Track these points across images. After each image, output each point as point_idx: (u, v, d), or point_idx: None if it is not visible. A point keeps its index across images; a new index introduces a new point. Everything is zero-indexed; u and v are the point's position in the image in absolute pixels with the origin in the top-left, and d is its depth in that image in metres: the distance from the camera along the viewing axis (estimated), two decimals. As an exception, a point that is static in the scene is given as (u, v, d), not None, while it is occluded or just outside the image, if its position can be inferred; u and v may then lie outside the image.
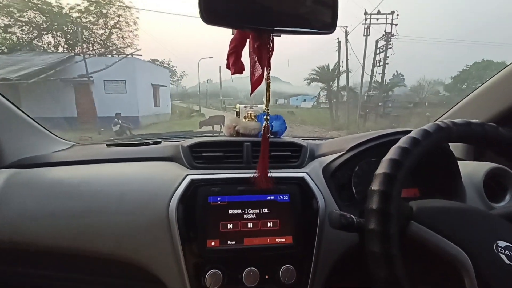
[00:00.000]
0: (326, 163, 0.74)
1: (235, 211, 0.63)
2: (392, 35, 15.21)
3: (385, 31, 15.23)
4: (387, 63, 15.54)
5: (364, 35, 15.41)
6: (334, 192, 0.69)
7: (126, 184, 0.67)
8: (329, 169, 0.73)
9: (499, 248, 0.41)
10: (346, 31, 15.64)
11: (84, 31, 12.04)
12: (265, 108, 0.61)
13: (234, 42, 0.56)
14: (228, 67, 0.59)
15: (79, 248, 0.63)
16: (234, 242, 0.62)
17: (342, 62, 16.37)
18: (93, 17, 12.25)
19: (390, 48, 15.39)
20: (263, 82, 0.57)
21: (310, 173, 0.70)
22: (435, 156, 0.72)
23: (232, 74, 0.59)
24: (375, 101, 16.45)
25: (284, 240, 0.63)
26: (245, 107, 0.86)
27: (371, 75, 16.11)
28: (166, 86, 14.29)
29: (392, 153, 0.46)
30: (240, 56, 0.58)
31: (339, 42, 16.36)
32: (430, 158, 0.72)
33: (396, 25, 15.00)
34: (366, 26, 15.37)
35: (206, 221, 0.62)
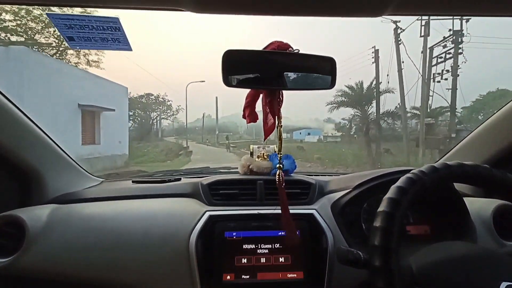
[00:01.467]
0: (334, 200, 0.78)
1: (249, 246, 0.68)
2: (463, 35, 9.81)
3: (451, 29, 9.87)
4: (458, 75, 9.97)
5: (421, 36, 10.23)
6: (343, 228, 0.73)
7: (150, 220, 0.74)
8: (338, 205, 0.77)
9: None
10: (397, 29, 10.28)
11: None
12: (278, 153, 0.68)
13: (249, 98, 0.68)
14: (244, 117, 0.69)
15: (107, 279, 0.68)
16: (248, 276, 0.65)
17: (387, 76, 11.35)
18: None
19: (460, 53, 9.90)
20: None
21: (319, 210, 0.75)
22: (441, 194, 0.75)
23: (248, 123, 0.69)
24: (437, 130, 11.50)
25: (295, 275, 0.66)
26: (258, 147, 0.95)
27: (427, 93, 10.54)
28: (114, 110, 9.05)
29: (390, 192, 0.52)
30: (254, 108, 0.69)
31: (376, 52, 11.78)
32: (437, 196, 0.76)
33: (467, 20, 9.63)
34: (423, 23, 9.90)
35: (222, 255, 0.67)
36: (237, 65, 0.58)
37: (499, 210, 0.77)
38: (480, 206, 0.80)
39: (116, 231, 0.72)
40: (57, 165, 0.94)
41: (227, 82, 0.57)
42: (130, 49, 0.61)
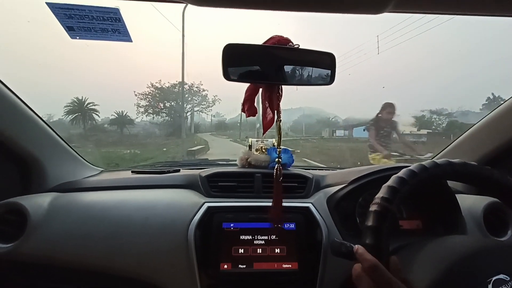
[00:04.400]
0: (330, 194, 0.80)
1: (246, 237, 0.70)
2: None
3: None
4: None
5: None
6: (338, 222, 0.75)
7: (150, 209, 0.76)
8: (333, 199, 0.79)
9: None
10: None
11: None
12: (277, 147, 0.69)
13: (249, 92, 0.68)
14: (243, 111, 0.70)
15: (106, 266, 0.70)
16: (244, 266, 0.68)
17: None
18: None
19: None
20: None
21: (315, 204, 0.77)
22: (434, 190, 0.77)
23: (247, 117, 0.70)
24: None
25: (290, 266, 0.68)
26: (256, 141, 0.96)
27: None
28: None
29: (382, 191, 0.53)
30: (254, 102, 0.70)
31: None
32: (430, 192, 0.77)
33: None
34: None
35: (220, 245, 0.69)
36: (237, 59, 0.58)
37: (490, 207, 0.79)
38: (471, 203, 0.82)
39: (115, 219, 0.74)
40: (58, 154, 0.95)
41: (227, 76, 0.57)
42: (130, 40, 0.60)
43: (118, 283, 0.74)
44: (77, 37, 0.58)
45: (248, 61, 0.59)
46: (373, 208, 0.51)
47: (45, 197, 0.79)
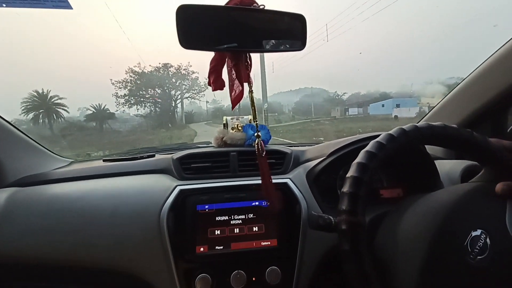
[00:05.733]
0: (309, 168, 0.78)
1: (222, 218, 0.67)
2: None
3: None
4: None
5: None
6: (318, 196, 0.73)
7: (119, 198, 0.71)
8: (312, 173, 0.77)
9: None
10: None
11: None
12: (253, 121, 0.64)
13: (214, 62, 0.62)
14: (209, 84, 0.64)
15: (77, 260, 0.66)
16: (221, 247, 0.65)
17: None
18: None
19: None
20: (247, 97, 0.62)
21: (294, 179, 0.74)
22: (413, 157, 0.76)
23: (213, 90, 0.64)
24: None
25: (269, 243, 0.67)
26: (231, 118, 0.91)
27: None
28: None
29: (360, 157, 0.51)
30: (221, 74, 0.64)
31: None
32: (409, 159, 0.76)
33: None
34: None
35: (195, 228, 0.66)
36: (194, 23, 0.51)
37: (467, 170, 0.80)
38: (450, 168, 0.82)
39: (82, 211, 0.69)
40: (15, 147, 0.87)
41: (184, 43, 0.51)
42: (69, 6, 0.52)
43: (94, 275, 0.71)
44: (4, 5, 0.49)
45: (207, 25, 0.53)
46: (349, 173, 0.49)
47: (1, 193, 0.72)
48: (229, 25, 0.54)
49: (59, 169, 0.95)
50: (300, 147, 0.95)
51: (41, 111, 18.26)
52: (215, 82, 0.62)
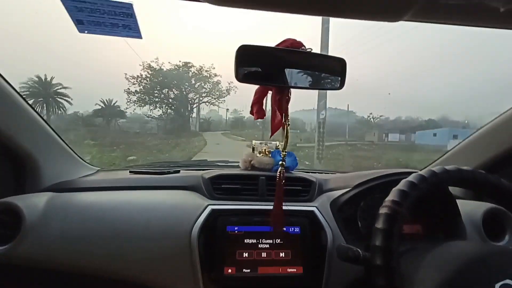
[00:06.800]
0: (334, 198, 0.80)
1: (251, 241, 0.69)
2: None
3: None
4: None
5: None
6: (341, 226, 0.75)
7: (151, 211, 0.74)
8: (337, 203, 0.79)
9: None
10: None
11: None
12: (283, 151, 0.68)
13: (258, 94, 0.67)
14: (252, 113, 0.69)
15: (107, 270, 0.68)
16: (249, 270, 0.67)
17: None
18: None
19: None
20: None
21: (319, 207, 0.77)
22: (435, 196, 0.78)
23: (255, 119, 0.69)
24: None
25: (295, 270, 0.68)
26: (260, 143, 0.96)
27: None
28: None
29: (392, 194, 0.54)
30: (262, 105, 0.69)
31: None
32: (431, 197, 0.79)
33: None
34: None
35: (224, 249, 0.68)
36: (250, 60, 0.57)
37: (489, 212, 0.81)
38: (471, 209, 0.84)
39: (115, 221, 0.71)
40: (53, 152, 0.91)
41: (239, 76, 0.57)
42: (140, 36, 0.59)
43: (119, 287, 0.72)
44: (86, 31, 0.56)
45: (260, 63, 0.59)
46: (383, 210, 0.51)
47: (41, 197, 0.75)
48: (278, 64, 0.60)
49: (88, 177, 0.99)
50: (323, 174, 0.98)
51: (40, 99, 15.21)
52: (258, 112, 0.68)
